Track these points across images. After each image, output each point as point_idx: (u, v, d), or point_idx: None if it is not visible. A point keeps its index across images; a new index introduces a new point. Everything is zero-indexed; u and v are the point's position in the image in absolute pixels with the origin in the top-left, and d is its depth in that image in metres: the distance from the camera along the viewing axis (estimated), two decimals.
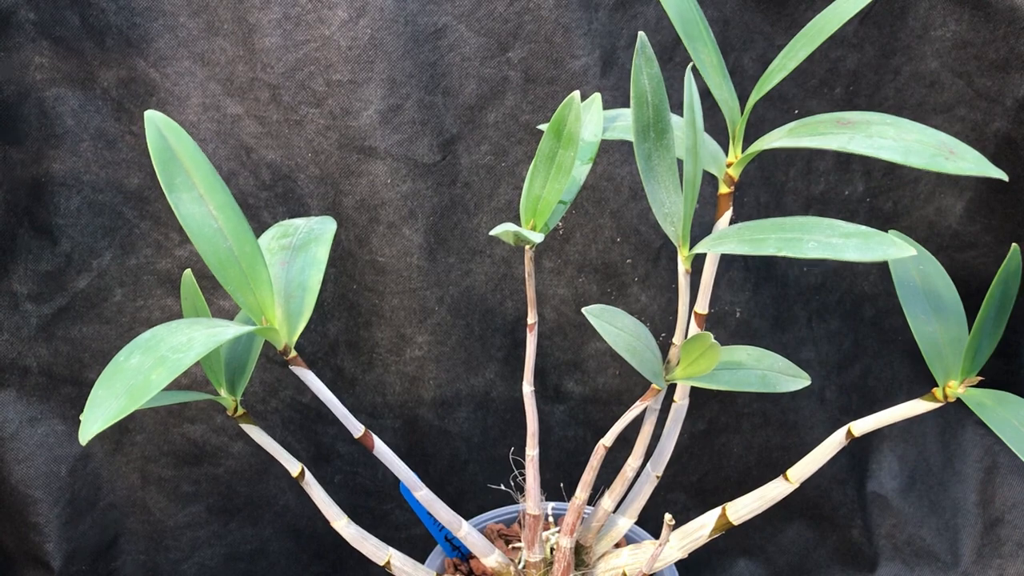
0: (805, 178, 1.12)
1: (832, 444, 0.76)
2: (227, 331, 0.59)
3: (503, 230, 0.67)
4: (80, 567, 1.11)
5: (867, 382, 1.22)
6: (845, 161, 1.11)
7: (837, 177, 1.12)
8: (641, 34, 0.63)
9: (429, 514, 0.86)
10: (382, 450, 0.78)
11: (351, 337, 1.10)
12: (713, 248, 0.63)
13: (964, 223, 1.14)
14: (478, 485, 1.17)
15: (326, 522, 0.81)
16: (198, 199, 0.63)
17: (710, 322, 1.11)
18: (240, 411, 0.74)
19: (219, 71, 1.00)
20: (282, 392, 1.11)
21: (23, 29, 0.97)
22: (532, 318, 0.82)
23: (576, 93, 0.71)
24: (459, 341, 1.10)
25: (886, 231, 0.57)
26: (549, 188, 0.74)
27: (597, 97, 0.80)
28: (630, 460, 0.84)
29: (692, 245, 0.66)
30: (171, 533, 1.15)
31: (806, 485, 1.17)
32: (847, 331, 1.19)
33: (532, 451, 0.86)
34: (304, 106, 1.00)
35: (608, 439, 0.80)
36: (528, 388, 0.85)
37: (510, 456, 0.97)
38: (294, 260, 0.73)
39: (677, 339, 0.73)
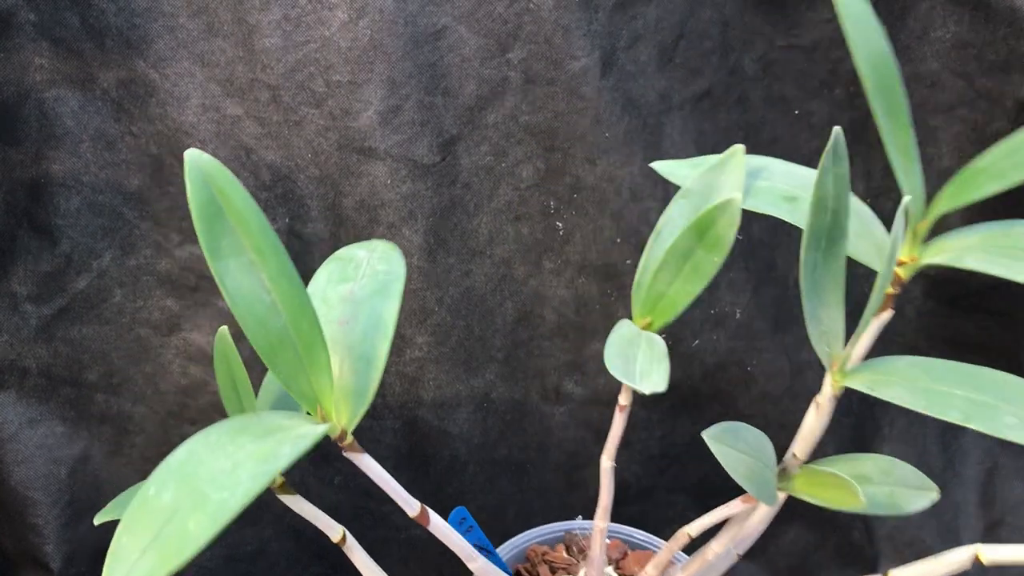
0: None
1: (954, 563, 0.72)
2: (281, 453, 0.47)
3: (620, 352, 0.57)
4: (80, 569, 1.11)
5: None
6: None
7: None
8: (837, 130, 0.55)
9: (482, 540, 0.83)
10: (438, 524, 0.71)
11: None
12: (877, 390, 0.55)
13: (966, 223, 1.14)
14: (478, 486, 1.17)
15: None
16: (248, 267, 0.52)
17: (710, 324, 1.11)
18: (279, 481, 0.68)
19: (219, 72, 1.00)
20: None
21: (23, 30, 0.97)
22: (625, 400, 0.73)
23: (736, 199, 0.60)
24: (459, 342, 1.10)
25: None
26: (677, 288, 0.64)
27: (739, 151, 0.68)
28: (713, 545, 0.78)
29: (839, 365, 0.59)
30: None
31: None
32: (848, 333, 1.19)
33: (602, 523, 0.81)
34: (304, 107, 1.00)
35: (694, 529, 0.75)
36: (608, 463, 0.77)
37: (579, 521, 0.96)
38: (356, 319, 0.61)
39: (800, 451, 0.66)
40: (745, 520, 0.73)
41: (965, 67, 1.07)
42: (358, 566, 0.73)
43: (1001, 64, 1.05)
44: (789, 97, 1.09)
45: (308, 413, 0.58)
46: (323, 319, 0.57)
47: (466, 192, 1.05)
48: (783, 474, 0.66)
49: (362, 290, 0.63)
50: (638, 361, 0.56)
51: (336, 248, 1.06)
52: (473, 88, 1.02)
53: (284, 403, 0.70)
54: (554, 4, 0.99)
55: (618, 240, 1.07)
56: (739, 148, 0.67)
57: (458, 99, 1.02)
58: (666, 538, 0.97)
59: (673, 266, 0.63)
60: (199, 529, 0.42)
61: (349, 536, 0.71)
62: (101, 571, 1.12)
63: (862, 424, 1.22)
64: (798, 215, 0.64)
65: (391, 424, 1.14)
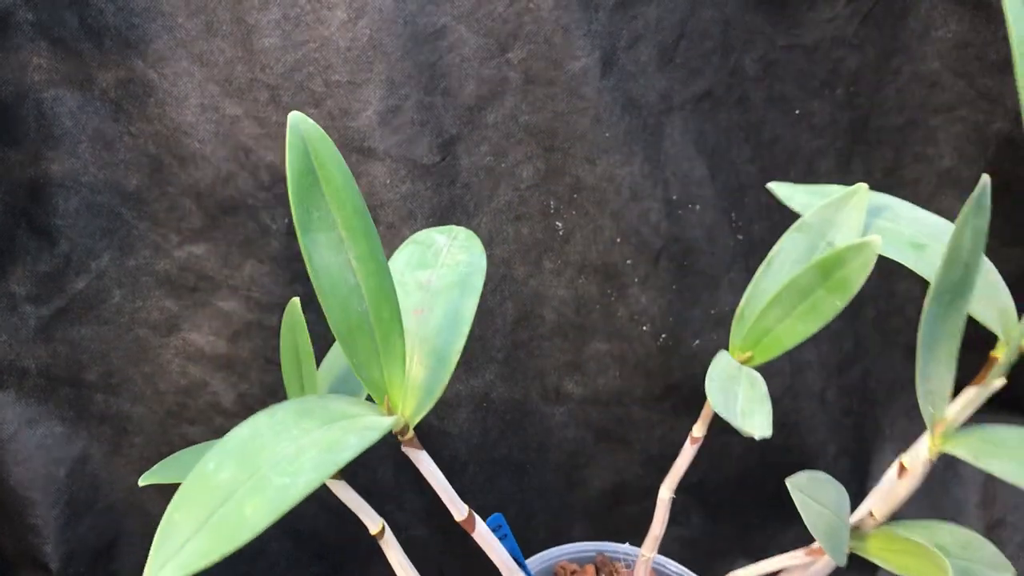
0: (806, 179, 1.12)
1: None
2: (348, 444, 0.46)
3: (721, 387, 0.53)
4: (78, 569, 1.11)
5: (868, 383, 1.22)
6: (845, 162, 1.11)
7: (838, 178, 1.13)
8: (985, 180, 0.52)
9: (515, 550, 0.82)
10: (483, 532, 0.69)
11: None
12: (981, 460, 0.52)
13: None
14: (478, 486, 1.17)
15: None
16: (337, 244, 0.51)
17: (711, 324, 1.12)
18: None
19: (218, 72, 1.00)
20: (281, 393, 1.10)
21: (21, 30, 0.97)
22: (699, 432, 0.69)
23: (875, 242, 0.56)
24: None
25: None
26: (788, 327, 0.60)
27: (862, 189, 0.65)
28: None
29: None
30: None
31: None
32: (848, 332, 1.19)
33: (649, 553, 0.80)
34: (303, 107, 1.00)
35: (752, 573, 0.72)
36: (667, 494, 0.75)
37: (615, 544, 0.95)
38: (432, 310, 0.60)
39: (878, 511, 0.63)
40: (804, 572, 0.70)
41: (966, 67, 1.07)
42: (392, 562, 0.71)
43: (1002, 64, 1.05)
44: (790, 97, 1.09)
45: (368, 399, 0.57)
46: (401, 309, 0.56)
47: (466, 192, 1.06)
48: (856, 532, 0.63)
49: (440, 280, 0.62)
50: (739, 400, 0.53)
51: None
52: (473, 88, 1.02)
53: (345, 384, 0.68)
54: (554, 4, 0.99)
55: (618, 240, 1.07)
56: (863, 187, 0.64)
57: (458, 99, 1.02)
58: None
59: (788, 303, 0.60)
60: (256, 515, 0.40)
61: (388, 530, 0.69)
62: (100, 571, 1.13)
63: (862, 424, 1.22)
64: (924, 264, 0.61)
65: None
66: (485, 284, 1.10)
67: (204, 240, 1.05)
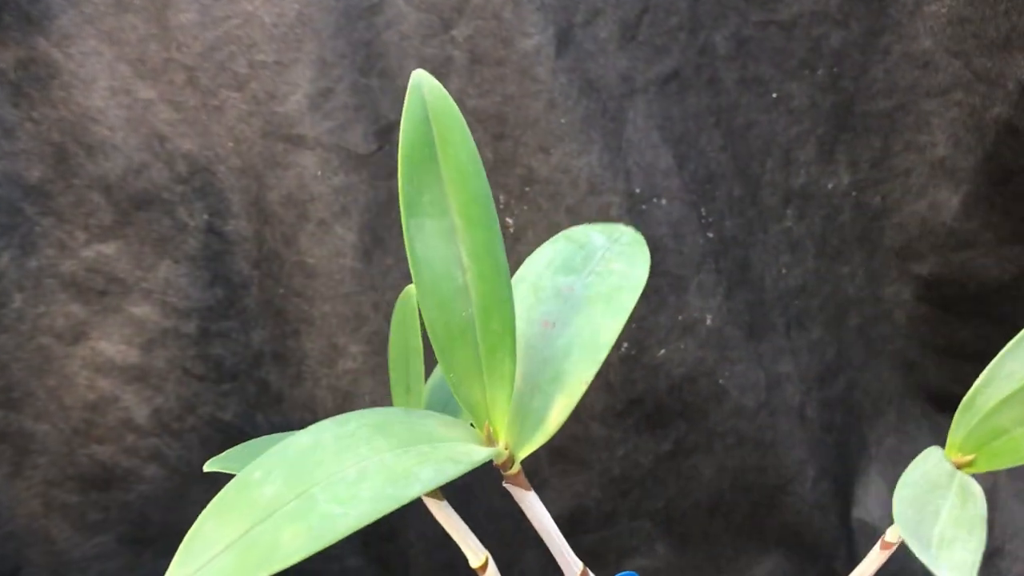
0: (784, 169, 1.11)
1: None
2: (420, 477, 0.42)
3: (916, 498, 0.43)
4: None
5: (853, 396, 1.21)
6: (828, 151, 1.10)
7: (820, 169, 1.11)
8: None
9: None
10: None
11: (277, 347, 1.08)
12: None
13: (961, 220, 1.14)
14: (420, 512, 1.16)
15: None
16: (447, 234, 0.47)
17: (678, 331, 1.11)
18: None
19: (129, 51, 0.99)
20: (200, 408, 1.10)
21: None
22: (893, 536, 0.54)
23: None
24: None
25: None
26: None
27: None
28: None
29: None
30: (77, 565, 1.13)
31: (786, 512, 1.17)
32: (830, 340, 1.18)
33: None
34: (224, 90, 1.00)
35: None
36: None
37: None
38: (565, 325, 0.53)
39: None
40: None
41: (962, 45, 1.06)
42: None
43: (1001, 42, 1.04)
44: (766, 78, 1.08)
45: (472, 425, 0.52)
46: (526, 312, 0.52)
47: None
48: None
49: (585, 289, 0.55)
50: (940, 519, 0.43)
51: (261, 248, 1.06)
52: (413, 68, 1.01)
53: (453, 400, 0.65)
54: None
55: None
56: None
57: (396, 81, 1.01)
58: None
59: None
60: (293, 544, 0.38)
61: (491, 563, 0.62)
62: None
63: (846, 441, 1.21)
64: None
65: None
66: None
67: (114, 238, 1.04)
